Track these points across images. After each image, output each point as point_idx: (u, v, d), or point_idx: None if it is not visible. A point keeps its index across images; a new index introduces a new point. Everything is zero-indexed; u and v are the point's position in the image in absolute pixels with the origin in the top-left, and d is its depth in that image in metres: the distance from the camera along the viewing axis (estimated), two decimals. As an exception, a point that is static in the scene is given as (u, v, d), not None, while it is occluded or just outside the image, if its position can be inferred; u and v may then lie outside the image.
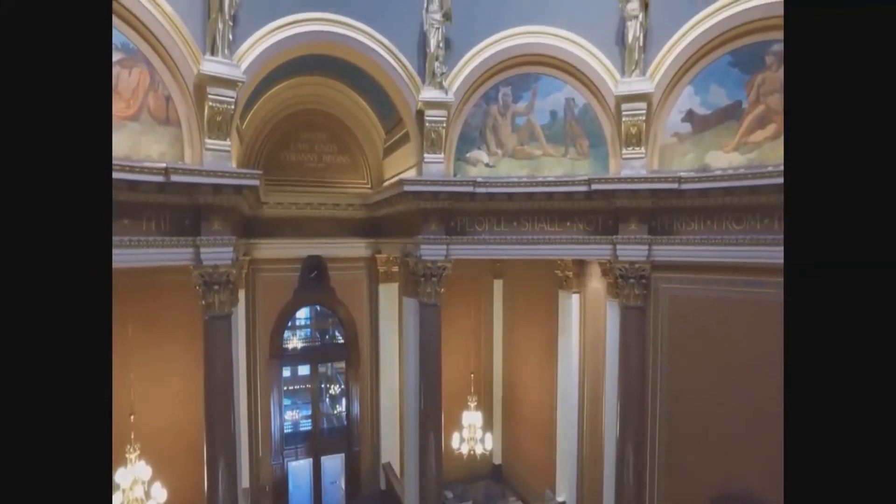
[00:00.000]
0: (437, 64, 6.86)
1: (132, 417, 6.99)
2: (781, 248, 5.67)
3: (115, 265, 5.43)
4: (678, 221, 6.75)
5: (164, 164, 5.55)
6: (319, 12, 6.72)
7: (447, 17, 6.90)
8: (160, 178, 5.54)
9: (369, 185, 9.54)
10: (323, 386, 13.69)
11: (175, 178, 5.55)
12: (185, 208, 5.96)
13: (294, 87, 8.66)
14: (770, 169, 5.89)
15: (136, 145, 5.66)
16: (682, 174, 6.44)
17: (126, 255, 5.56)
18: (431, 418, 7.69)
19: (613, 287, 7.27)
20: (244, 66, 6.26)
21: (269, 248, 8.96)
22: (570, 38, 7.03)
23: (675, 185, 6.39)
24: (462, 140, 7.40)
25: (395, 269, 9.45)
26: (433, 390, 7.66)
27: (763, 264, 6.12)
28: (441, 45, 6.89)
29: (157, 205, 5.79)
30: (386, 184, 8.92)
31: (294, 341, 10.56)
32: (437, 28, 6.84)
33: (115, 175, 5.20)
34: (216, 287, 6.18)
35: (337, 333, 10.43)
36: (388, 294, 9.76)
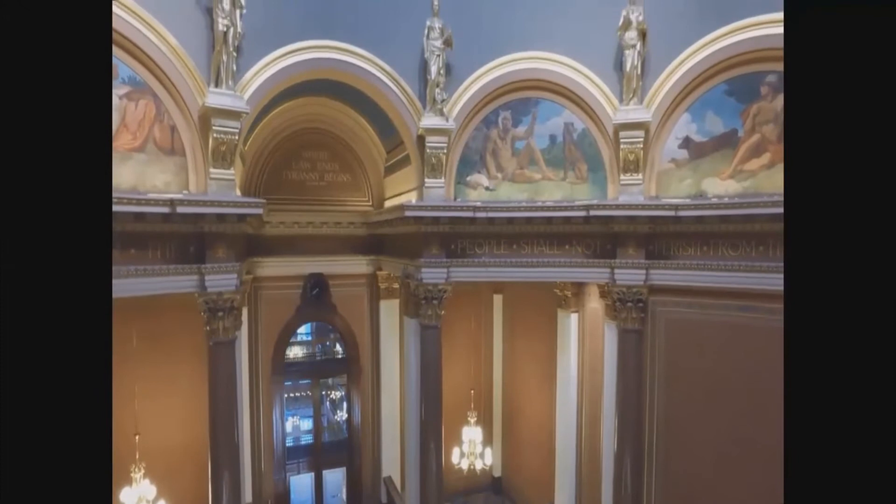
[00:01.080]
0: (437, 91, 6.96)
1: (137, 438, 7.13)
2: (776, 276, 5.77)
3: (121, 294, 5.58)
4: (675, 246, 6.85)
5: (169, 196, 5.65)
6: (322, 40, 6.82)
7: (448, 43, 7.00)
8: (166, 210, 5.64)
9: (370, 203, 9.64)
10: (324, 393, 13.81)
11: (181, 209, 5.65)
12: (189, 236, 6.07)
13: (295, 107, 8.75)
14: (765, 199, 5.98)
15: (142, 176, 5.78)
16: (679, 202, 6.54)
17: (132, 285, 5.67)
18: (432, 435, 7.80)
19: (611, 309, 7.38)
20: (248, 94, 6.37)
21: (272, 267, 9.07)
22: (569, 64, 7.12)
23: (671, 213, 6.49)
24: (462, 163, 7.50)
25: (396, 285, 9.55)
26: (434, 409, 7.77)
27: (758, 290, 6.24)
28: (442, 71, 6.99)
29: (163, 234, 5.90)
30: (387, 205, 9.03)
31: (296, 356, 10.67)
32: (438, 55, 6.94)
33: (122, 208, 5.32)
34: (220, 313, 6.28)
35: (338, 348, 10.54)
36: (389, 310, 9.86)
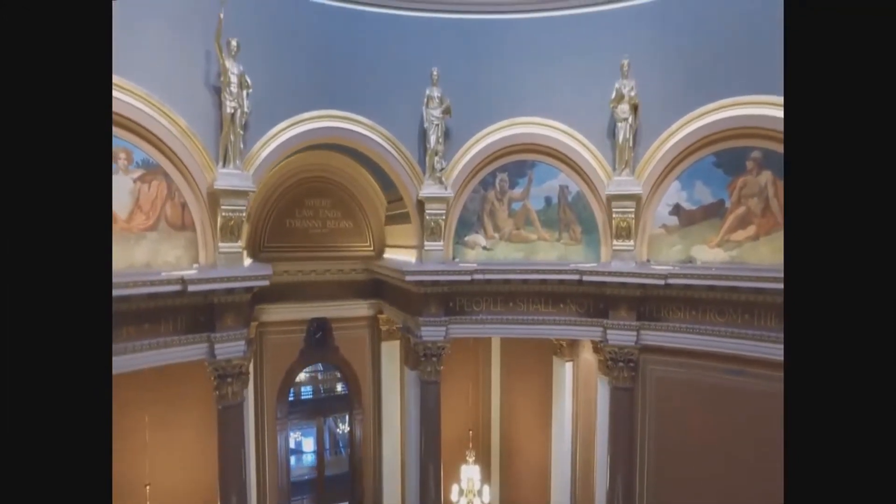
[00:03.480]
0: (436, 159, 7.22)
1: (148, 488, 7.44)
2: (761, 343, 6.02)
3: (135, 368, 5.89)
4: (665, 309, 7.10)
5: (180, 274, 5.92)
6: (325, 109, 7.11)
7: (447, 112, 7.25)
8: (178, 287, 5.91)
9: (372, 249, 9.88)
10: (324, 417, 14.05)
11: (192, 287, 5.92)
12: (199, 308, 6.33)
13: (298, 159, 8.98)
14: (748, 273, 6.26)
15: (154, 253, 6.08)
16: (668, 271, 6.78)
17: (145, 358, 5.95)
18: (431, 474, 8.09)
19: (604, 365, 7.64)
20: (255, 166, 6.66)
21: (276, 312, 9.31)
22: (564, 130, 7.39)
23: (661, 282, 6.75)
24: (461, 223, 7.77)
25: (396, 328, 9.81)
26: (433, 453, 8.06)
27: (744, 356, 6.52)
28: (440, 139, 7.25)
29: (174, 307, 6.16)
30: (388, 253, 9.30)
31: (300, 395, 10.96)
32: (437, 124, 7.20)
33: (136, 290, 5.59)
34: (229, 379, 6.56)
35: (341, 388, 10.82)
36: (390, 351, 10.12)
